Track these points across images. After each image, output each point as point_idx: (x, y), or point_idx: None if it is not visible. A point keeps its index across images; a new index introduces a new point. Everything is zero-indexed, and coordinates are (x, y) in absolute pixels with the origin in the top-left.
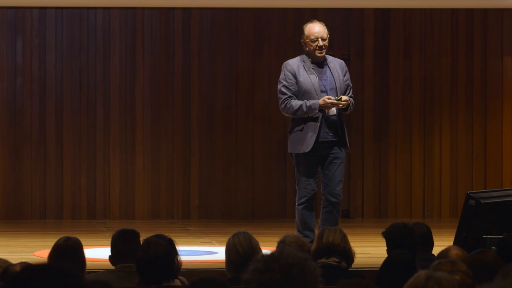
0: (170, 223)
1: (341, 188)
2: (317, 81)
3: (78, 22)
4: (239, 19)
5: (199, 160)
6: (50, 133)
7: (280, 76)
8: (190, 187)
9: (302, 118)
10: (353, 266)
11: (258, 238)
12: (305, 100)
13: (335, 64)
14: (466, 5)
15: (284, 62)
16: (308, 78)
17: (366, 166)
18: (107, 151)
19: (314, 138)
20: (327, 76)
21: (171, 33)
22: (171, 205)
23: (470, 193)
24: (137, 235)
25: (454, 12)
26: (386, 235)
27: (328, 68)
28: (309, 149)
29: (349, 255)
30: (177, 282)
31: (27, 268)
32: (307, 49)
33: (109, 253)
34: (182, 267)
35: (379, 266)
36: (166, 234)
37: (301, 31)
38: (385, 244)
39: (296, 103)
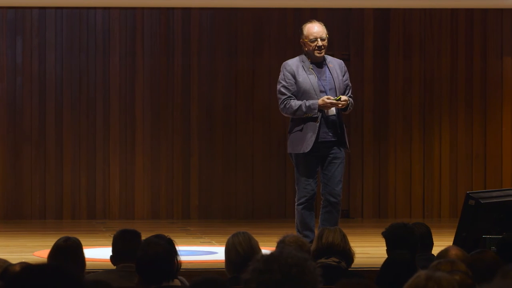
0: (170, 223)
1: (341, 188)
2: (316, 81)
3: (78, 22)
4: (239, 19)
5: (199, 160)
6: (50, 133)
7: (279, 76)
8: (190, 187)
9: (301, 118)
10: (353, 266)
11: (257, 238)
12: (305, 100)
13: (334, 64)
14: (466, 5)
15: (283, 62)
16: (307, 78)
17: (366, 166)
18: (107, 151)
19: (313, 138)
20: (326, 76)
21: (171, 33)
22: (171, 205)
23: (470, 193)
24: (138, 235)
25: (454, 12)
26: (386, 235)
27: (327, 68)
28: (308, 149)
29: (349, 255)
30: (176, 282)
31: (27, 268)
32: (306, 49)
33: (110, 253)
34: (182, 267)
35: (379, 266)
36: (166, 234)
37: (300, 31)
38: (385, 244)
39: (295, 103)
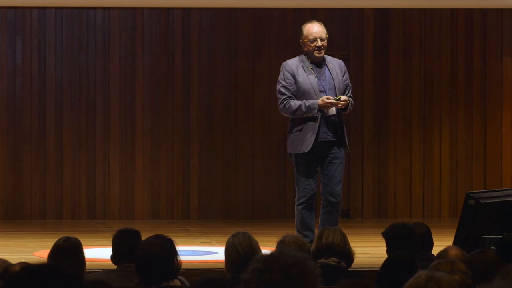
0: (170, 223)
1: (341, 188)
2: (316, 81)
3: (78, 22)
4: (239, 19)
5: (198, 160)
6: (50, 133)
7: (279, 76)
8: (190, 187)
9: (301, 118)
10: (352, 266)
11: (257, 238)
12: (304, 100)
13: (334, 64)
14: (466, 5)
15: (283, 62)
16: (307, 78)
17: (366, 166)
18: (107, 151)
19: (313, 138)
20: (326, 76)
21: (171, 33)
22: (171, 205)
23: (469, 193)
24: (137, 234)
25: (454, 12)
26: (386, 235)
27: (327, 68)
28: (308, 149)
29: (348, 255)
30: (176, 282)
31: (27, 268)
32: (305, 49)
33: (111, 253)
34: (182, 267)
35: (379, 266)
36: (166, 234)
37: (300, 31)
38: (384, 244)
39: (295, 103)
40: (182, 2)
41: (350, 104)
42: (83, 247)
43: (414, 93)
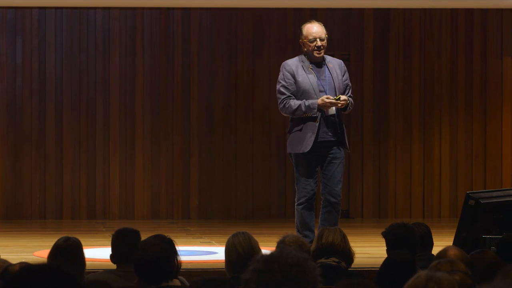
0: (170, 223)
1: (341, 188)
2: (316, 81)
3: (78, 22)
4: (239, 19)
5: (198, 160)
6: (50, 133)
7: (279, 76)
8: (190, 187)
9: (301, 118)
10: (352, 266)
11: (257, 238)
12: (304, 100)
13: (334, 64)
14: (466, 5)
15: (283, 62)
16: (307, 78)
17: (366, 166)
18: (107, 151)
19: (313, 138)
20: (325, 76)
21: (171, 33)
22: (171, 205)
23: (469, 193)
24: (137, 234)
25: (454, 12)
26: (385, 235)
27: (326, 68)
28: (308, 149)
29: (348, 255)
30: (176, 282)
31: (26, 268)
32: (305, 49)
33: (110, 252)
34: (182, 267)
35: (379, 266)
36: (166, 234)
37: (300, 31)
38: (385, 244)
39: (294, 103)
40: (182, 2)
41: (350, 104)
42: (83, 247)
43: (414, 93)
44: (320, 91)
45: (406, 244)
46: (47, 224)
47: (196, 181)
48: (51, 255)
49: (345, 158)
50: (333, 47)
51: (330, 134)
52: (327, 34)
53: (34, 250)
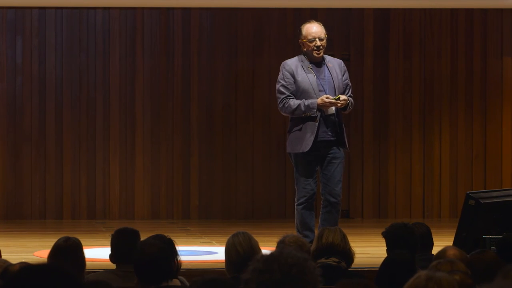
0: (170, 223)
1: (341, 188)
2: (315, 80)
3: (78, 22)
4: (239, 19)
5: (198, 160)
6: (50, 133)
7: (279, 76)
8: (190, 187)
9: (300, 117)
10: (353, 266)
11: (257, 238)
12: (303, 100)
13: (334, 63)
14: (466, 5)
15: (282, 62)
16: (306, 77)
17: (366, 166)
18: (107, 151)
19: (312, 138)
20: (325, 76)
21: (171, 33)
22: (171, 205)
23: (470, 193)
24: (136, 233)
25: (454, 12)
26: (386, 235)
27: (326, 68)
28: (307, 149)
29: (349, 255)
30: (176, 282)
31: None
32: (305, 49)
33: (109, 252)
34: (182, 267)
35: (379, 266)
36: (166, 234)
37: (299, 31)
38: (385, 244)
39: (294, 102)
40: (182, 2)
41: (350, 103)
42: (83, 247)
43: (414, 93)
44: (320, 91)
45: (406, 244)
46: (47, 224)
47: (196, 181)
48: (51, 255)
49: (345, 158)
50: (333, 47)
51: (329, 133)
52: (326, 34)
53: (34, 250)
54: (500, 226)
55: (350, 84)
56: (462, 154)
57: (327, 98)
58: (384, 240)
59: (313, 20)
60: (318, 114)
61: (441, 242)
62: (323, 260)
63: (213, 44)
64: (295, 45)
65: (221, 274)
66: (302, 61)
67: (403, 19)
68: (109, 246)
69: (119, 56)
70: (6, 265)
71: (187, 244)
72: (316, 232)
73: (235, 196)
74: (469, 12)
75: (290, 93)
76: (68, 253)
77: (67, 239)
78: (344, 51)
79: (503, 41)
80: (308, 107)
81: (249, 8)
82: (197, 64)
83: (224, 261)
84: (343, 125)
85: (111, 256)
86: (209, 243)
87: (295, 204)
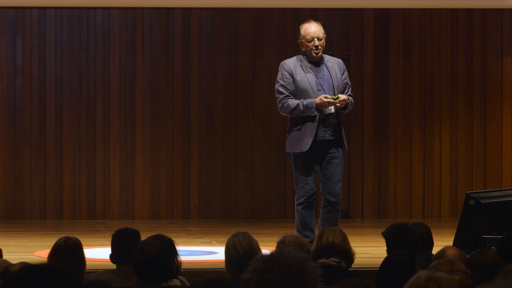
0: (170, 223)
1: (340, 187)
2: (314, 80)
3: (78, 22)
4: (239, 19)
5: (199, 160)
6: (50, 133)
7: (277, 76)
8: (190, 187)
9: (300, 117)
10: (353, 266)
11: (257, 238)
12: (302, 99)
13: (333, 63)
14: (466, 5)
15: (281, 62)
16: (305, 77)
17: (366, 166)
18: (107, 151)
19: (312, 138)
20: (324, 75)
21: (171, 33)
22: (171, 205)
23: (470, 193)
24: (136, 234)
25: (454, 12)
26: (386, 235)
27: (325, 67)
28: (306, 149)
29: (349, 255)
30: (176, 282)
31: (26, 268)
32: (303, 49)
33: (110, 252)
34: (182, 267)
35: (379, 266)
36: (166, 234)
37: (298, 31)
38: (385, 244)
39: (293, 102)
40: (182, 2)
41: (350, 103)
42: (83, 247)
43: (414, 93)
44: (319, 90)
45: (406, 244)
46: (47, 224)
47: (196, 181)
48: (51, 255)
49: (344, 157)
50: (333, 47)
51: (329, 133)
52: (325, 33)
53: (34, 250)
54: (500, 226)
55: (350, 83)
56: (462, 154)
57: (325, 97)
58: (384, 240)
59: (312, 20)
60: (317, 114)
61: (441, 242)
62: (323, 260)
63: (213, 44)
64: (295, 45)
65: (221, 274)
66: (301, 60)
67: (403, 19)
68: (109, 246)
69: (119, 56)
70: (6, 265)
71: (187, 244)
72: (316, 232)
73: (235, 196)
74: (469, 12)
75: (289, 93)
76: (68, 253)
77: (67, 239)
78: (344, 51)
79: (503, 41)
80: (306, 106)
81: (249, 8)
82: (197, 64)
83: (224, 261)
84: (342, 125)
85: (111, 256)
86: (209, 243)
87: (295, 204)
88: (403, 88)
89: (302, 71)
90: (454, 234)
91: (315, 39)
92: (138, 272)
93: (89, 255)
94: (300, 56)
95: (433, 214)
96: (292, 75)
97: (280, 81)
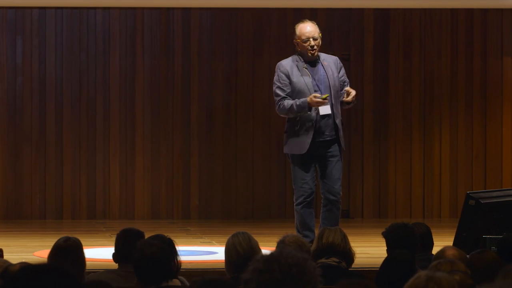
0: (170, 223)
1: (340, 186)
2: (311, 80)
3: (78, 22)
4: (239, 19)
5: (199, 160)
6: (50, 133)
7: (274, 77)
8: (190, 187)
9: (297, 118)
10: (353, 266)
11: (257, 238)
12: (296, 99)
13: (329, 61)
14: (466, 5)
15: (277, 63)
16: (301, 78)
17: (366, 166)
18: (107, 151)
19: (309, 139)
20: (320, 75)
21: (171, 33)
22: (171, 205)
23: (470, 193)
24: (141, 235)
25: (454, 12)
26: (386, 235)
27: (321, 67)
28: (305, 151)
29: (349, 255)
30: (176, 282)
31: (26, 268)
32: (299, 49)
33: (113, 251)
34: (182, 267)
35: (379, 266)
36: (166, 234)
37: (293, 31)
38: (385, 244)
39: (288, 103)
40: (182, 2)
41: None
42: (83, 247)
43: (414, 93)
44: (315, 91)
45: (406, 244)
46: (47, 224)
47: (196, 181)
48: (51, 255)
49: (344, 157)
50: (333, 47)
51: (326, 133)
52: (320, 32)
53: (34, 250)
54: (500, 226)
55: (348, 80)
56: (462, 154)
57: (314, 97)
58: (384, 240)
59: (307, 20)
60: (315, 114)
61: (441, 242)
62: (323, 260)
63: (213, 44)
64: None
65: (221, 274)
66: (297, 61)
67: (403, 19)
68: (109, 246)
69: (119, 56)
70: (6, 265)
71: (187, 244)
72: (316, 232)
73: (235, 196)
74: (469, 12)
75: (286, 94)
76: (68, 253)
77: (67, 239)
78: (344, 51)
79: (503, 41)
80: (299, 106)
81: (249, 8)
82: (197, 64)
83: (224, 261)
84: (341, 125)
85: (114, 255)
86: (209, 243)
87: (294, 204)
88: (403, 88)
89: (298, 72)
90: (454, 234)
91: (311, 39)
92: (138, 272)
93: (89, 255)
94: (296, 57)
95: (433, 214)
96: (288, 77)
97: (277, 83)
